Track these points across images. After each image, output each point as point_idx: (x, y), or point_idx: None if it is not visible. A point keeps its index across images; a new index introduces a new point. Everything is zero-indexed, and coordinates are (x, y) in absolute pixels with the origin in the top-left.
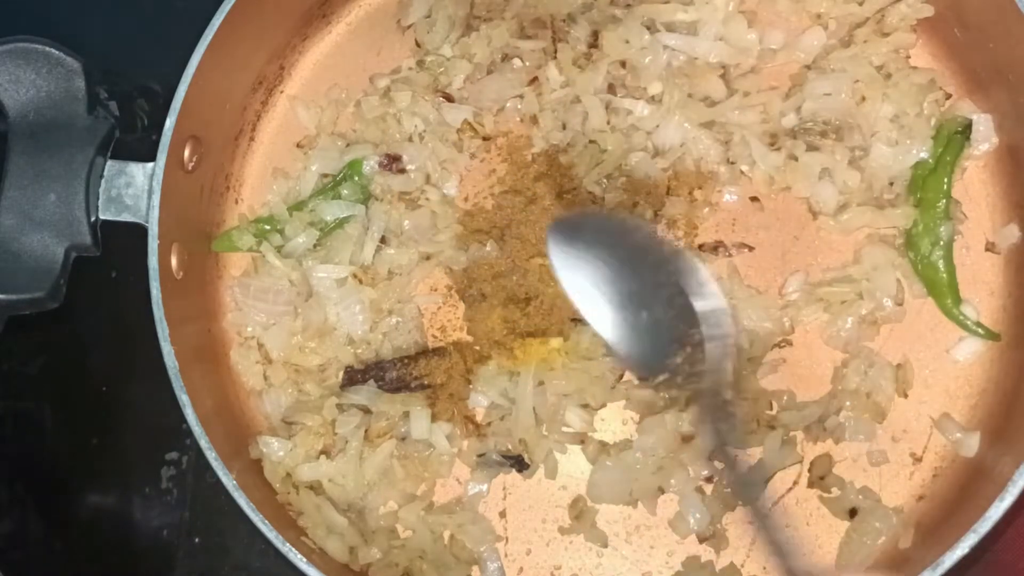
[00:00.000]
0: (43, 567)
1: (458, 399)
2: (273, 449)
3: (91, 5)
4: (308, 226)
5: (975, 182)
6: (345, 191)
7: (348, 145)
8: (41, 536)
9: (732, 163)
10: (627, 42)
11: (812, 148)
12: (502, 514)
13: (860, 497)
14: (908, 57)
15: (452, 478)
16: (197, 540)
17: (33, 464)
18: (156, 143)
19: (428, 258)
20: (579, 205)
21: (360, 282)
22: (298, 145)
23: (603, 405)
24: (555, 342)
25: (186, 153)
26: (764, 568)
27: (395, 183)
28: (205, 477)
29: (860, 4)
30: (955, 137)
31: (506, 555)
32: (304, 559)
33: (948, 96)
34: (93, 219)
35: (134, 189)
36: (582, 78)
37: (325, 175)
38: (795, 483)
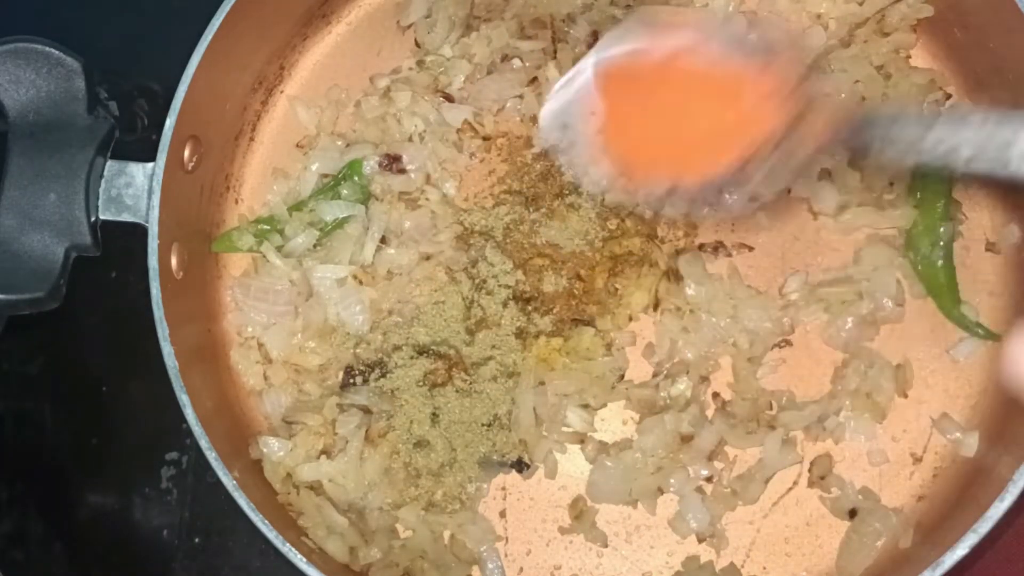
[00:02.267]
0: (43, 567)
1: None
2: (273, 449)
3: (91, 5)
4: (308, 226)
5: (975, 182)
6: (345, 191)
7: (348, 145)
8: (41, 536)
9: None
10: None
11: None
12: (502, 514)
13: (860, 497)
14: (908, 57)
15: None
16: (197, 540)
17: (33, 464)
18: (156, 143)
19: (428, 258)
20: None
21: (360, 282)
22: (298, 145)
23: (603, 405)
24: (555, 342)
25: (186, 153)
26: (764, 568)
27: (395, 183)
28: (205, 477)
29: (860, 4)
30: None
31: (506, 555)
32: (304, 559)
33: (948, 96)
34: (93, 219)
35: (134, 189)
36: None
37: (325, 175)
38: (795, 483)
